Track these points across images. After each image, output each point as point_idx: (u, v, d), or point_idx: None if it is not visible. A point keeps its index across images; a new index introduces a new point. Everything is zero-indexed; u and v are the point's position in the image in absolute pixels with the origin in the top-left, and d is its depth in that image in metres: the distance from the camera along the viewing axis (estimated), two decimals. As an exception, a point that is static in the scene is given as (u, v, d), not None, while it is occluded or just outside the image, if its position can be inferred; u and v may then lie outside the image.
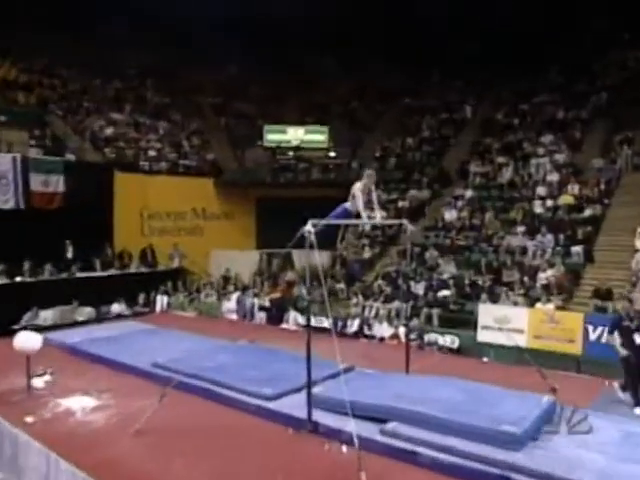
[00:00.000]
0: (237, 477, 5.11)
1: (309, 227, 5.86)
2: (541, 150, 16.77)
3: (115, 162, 17.27)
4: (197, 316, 13.72)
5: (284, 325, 13.02)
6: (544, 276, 12.06)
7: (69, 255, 14.46)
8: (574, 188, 14.63)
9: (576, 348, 9.99)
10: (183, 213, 18.89)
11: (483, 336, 10.93)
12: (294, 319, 12.97)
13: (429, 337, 11.02)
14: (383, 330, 11.67)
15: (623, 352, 6.88)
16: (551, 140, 17.02)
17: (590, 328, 9.96)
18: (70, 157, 15.78)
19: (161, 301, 14.60)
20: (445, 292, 12.49)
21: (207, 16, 20.49)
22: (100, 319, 13.16)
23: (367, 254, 16.03)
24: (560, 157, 16.14)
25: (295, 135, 21.93)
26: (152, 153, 19.12)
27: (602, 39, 18.54)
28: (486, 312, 11.13)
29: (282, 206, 17.52)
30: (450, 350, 10.85)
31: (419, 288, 12.83)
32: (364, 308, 12.88)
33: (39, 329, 10.69)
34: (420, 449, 5.18)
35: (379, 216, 7.33)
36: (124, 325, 11.74)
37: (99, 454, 5.46)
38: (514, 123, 18.96)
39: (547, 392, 6.18)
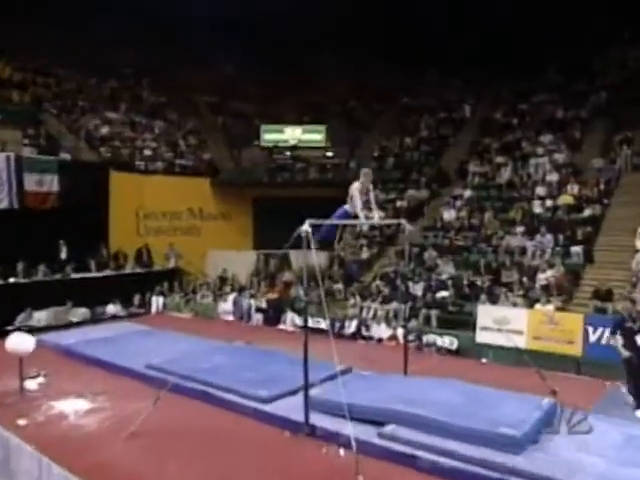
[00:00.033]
0: (233, 482, 5.03)
1: (306, 227, 5.82)
2: (540, 150, 16.70)
3: (110, 161, 17.15)
4: (193, 317, 13.67)
5: (281, 326, 12.95)
6: (543, 277, 11.99)
7: (63, 255, 14.34)
8: (574, 188, 14.56)
9: (576, 349, 9.94)
10: (179, 213, 18.78)
11: (482, 337, 10.88)
12: (291, 320, 12.89)
13: (427, 338, 10.97)
14: (381, 331, 11.59)
15: (625, 353, 6.84)
16: (550, 140, 16.95)
17: (590, 329, 9.92)
18: (65, 156, 15.65)
19: (157, 302, 14.51)
20: (444, 293, 12.40)
21: (204, 15, 20.40)
22: (95, 320, 13.07)
23: (365, 254, 15.95)
24: (559, 157, 16.08)
25: (292, 135, 21.83)
26: (148, 152, 18.99)
27: (602, 38, 18.49)
28: (485, 313, 11.08)
29: (279, 206, 17.40)
30: (449, 351, 10.80)
31: (417, 289, 12.78)
32: (362, 309, 12.79)
33: (33, 330, 10.77)
34: (419, 452, 5.13)
35: (377, 216, 7.26)
36: (119, 326, 11.69)
37: (92, 457, 5.40)
38: (513, 123, 18.89)
39: (547, 394, 6.12)
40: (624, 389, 6.93)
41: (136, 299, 14.49)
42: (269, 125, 21.97)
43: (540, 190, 15.18)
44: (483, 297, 11.76)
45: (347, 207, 6.95)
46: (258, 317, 13.65)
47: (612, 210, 13.69)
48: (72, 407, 6.75)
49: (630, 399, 6.75)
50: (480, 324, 11.01)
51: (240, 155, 21.50)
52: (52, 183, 14.51)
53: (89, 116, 18.84)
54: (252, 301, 13.96)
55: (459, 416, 5.39)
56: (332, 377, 6.25)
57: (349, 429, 5.09)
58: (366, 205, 6.91)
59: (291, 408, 6.16)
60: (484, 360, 9.92)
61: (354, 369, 7.63)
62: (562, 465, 4.77)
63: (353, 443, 4.95)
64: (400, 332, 10.66)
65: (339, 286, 14.17)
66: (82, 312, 13.36)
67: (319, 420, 5.85)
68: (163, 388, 6.24)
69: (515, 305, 11.38)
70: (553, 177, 15.35)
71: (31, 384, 7.51)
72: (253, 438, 5.83)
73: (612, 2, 18.04)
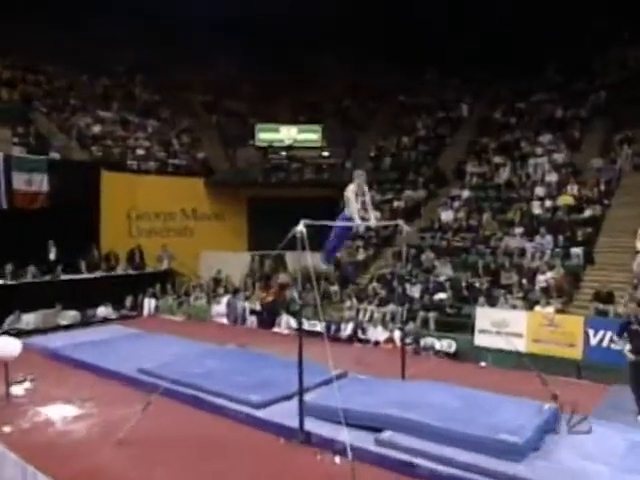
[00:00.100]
0: (225, 489, 4.95)
1: (301, 227, 5.77)
2: (539, 150, 16.65)
3: (102, 161, 16.89)
4: (186, 320, 13.52)
5: (276, 329, 12.83)
6: (543, 278, 11.90)
7: (52, 256, 14.11)
8: (573, 188, 14.50)
9: (576, 353, 9.87)
10: (172, 213, 18.56)
11: (481, 340, 10.82)
12: (286, 323, 12.76)
13: (425, 341, 10.92)
14: (378, 334, 11.49)
15: (631, 357, 6.70)
16: (550, 139, 16.91)
17: (591, 332, 9.86)
18: (55, 155, 15.40)
19: (149, 304, 14.34)
20: (441, 295, 12.33)
21: (200, 13, 20.29)
22: (85, 323, 12.94)
23: (361, 256, 15.83)
24: (559, 157, 16.02)
25: (288, 134, 21.61)
26: (140, 152, 18.75)
27: (602, 38, 18.48)
28: (484, 315, 10.99)
29: (274, 207, 17.21)
30: (447, 354, 10.75)
31: (415, 291, 12.68)
32: (358, 311, 12.70)
33: (21, 333, 10.77)
34: (417, 460, 5.05)
35: (373, 218, 7.25)
36: (110, 329, 11.62)
37: (78, 465, 5.29)
38: (511, 122, 18.84)
39: (548, 399, 6.02)
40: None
41: (128, 301, 14.34)
42: (264, 124, 21.74)
43: (539, 190, 15.12)
44: (482, 299, 11.66)
45: (346, 212, 6.89)
46: (252, 320, 13.56)
47: (613, 211, 13.63)
48: (59, 413, 6.65)
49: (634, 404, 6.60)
50: (479, 327, 10.94)
51: (235, 155, 21.27)
52: (42, 183, 14.29)
53: (80, 114, 18.60)
54: (246, 303, 13.87)
55: (458, 422, 5.31)
56: (327, 381, 6.16)
57: (345, 435, 4.99)
58: (362, 207, 6.92)
59: (285, 414, 6.08)
60: (483, 363, 9.84)
61: (350, 373, 7.57)
62: (565, 473, 4.69)
63: (349, 450, 4.85)
64: (397, 335, 10.67)
65: (335, 288, 14.06)
66: (72, 315, 13.16)
67: (314, 426, 5.75)
68: (154, 393, 6.13)
69: (514, 307, 11.30)
70: (552, 177, 15.29)
71: (17, 389, 7.39)
72: (246, 445, 5.73)
73: (612, 2, 18.02)
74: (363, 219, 6.99)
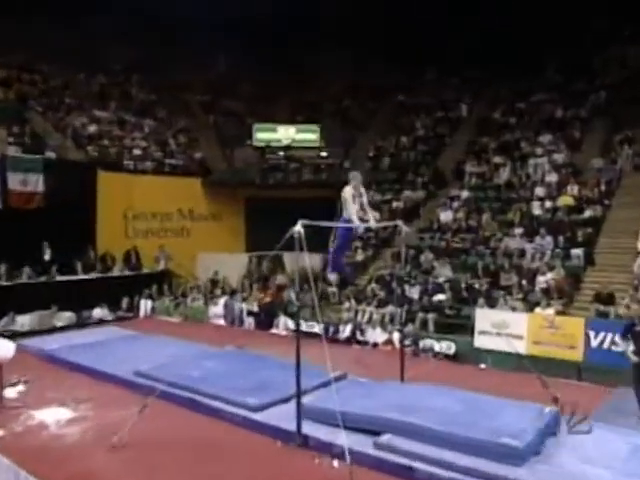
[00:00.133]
0: (222, 493, 4.91)
1: (298, 228, 5.75)
2: (539, 150, 16.56)
3: (98, 161, 16.82)
4: (183, 321, 13.54)
5: (274, 330, 12.83)
6: (543, 279, 11.83)
7: (47, 257, 14.05)
8: (573, 189, 14.42)
9: (577, 355, 9.81)
10: (169, 214, 18.49)
11: (480, 342, 10.75)
12: (284, 324, 12.75)
13: (424, 343, 10.86)
14: (376, 336, 11.45)
15: (635, 358, 6.65)
16: (549, 140, 16.81)
17: (592, 334, 9.80)
18: (50, 155, 15.32)
19: (145, 306, 14.30)
20: (441, 296, 12.24)
21: (198, 13, 20.22)
22: (81, 324, 12.89)
23: (360, 257, 15.71)
24: (559, 157, 15.93)
25: (286, 134, 21.51)
26: (137, 152, 18.68)
27: (602, 37, 18.43)
28: (483, 317, 10.92)
29: (272, 207, 17.15)
30: (446, 356, 10.70)
31: (414, 292, 12.60)
32: (357, 313, 12.64)
33: (16, 335, 10.70)
34: (416, 464, 5.02)
35: (372, 218, 7.23)
36: (106, 331, 11.61)
37: (72, 469, 5.25)
38: (511, 122, 18.74)
39: (549, 401, 5.99)
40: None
41: (124, 303, 14.30)
42: (262, 124, 21.64)
43: (539, 191, 15.04)
44: (481, 301, 11.59)
45: (345, 216, 6.85)
46: (250, 321, 13.56)
47: (613, 211, 13.56)
48: (53, 416, 6.59)
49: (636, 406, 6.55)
50: (478, 328, 10.86)
51: (232, 155, 21.19)
52: (37, 183, 14.21)
53: (76, 114, 18.50)
54: (244, 304, 13.84)
55: (458, 425, 5.27)
56: (325, 384, 6.12)
57: (343, 439, 4.98)
58: (360, 208, 6.92)
59: (283, 417, 6.03)
60: (483, 366, 9.82)
61: (349, 375, 7.55)
62: (566, 477, 4.67)
63: (347, 454, 4.85)
64: (396, 336, 10.65)
65: (333, 289, 13.96)
66: (67, 316, 13.11)
67: (312, 429, 5.72)
68: (150, 396, 6.10)
69: (514, 309, 11.22)
70: (552, 177, 15.21)
71: (10, 392, 7.33)
72: (243, 448, 5.69)
73: (612, 1, 17.98)
74: (362, 220, 6.95)
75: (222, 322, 13.52)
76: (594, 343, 9.69)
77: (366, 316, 12.44)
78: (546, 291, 11.49)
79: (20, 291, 12.89)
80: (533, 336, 10.26)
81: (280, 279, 15.12)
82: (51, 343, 10.03)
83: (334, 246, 7.16)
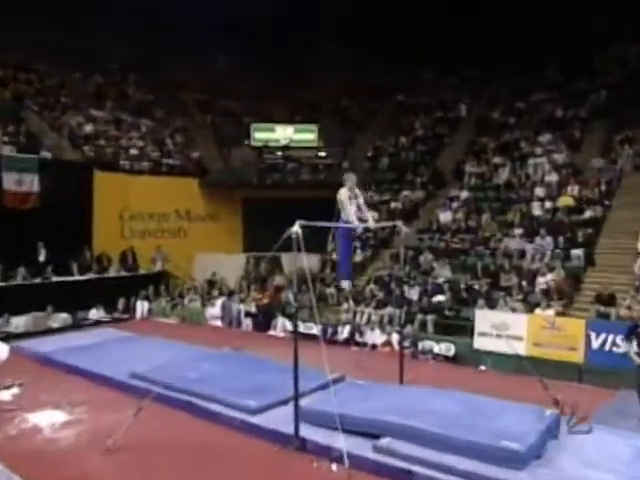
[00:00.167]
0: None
1: (296, 228, 5.68)
2: (539, 150, 16.49)
3: (94, 161, 16.72)
4: (180, 323, 13.46)
5: (272, 332, 12.76)
6: (543, 280, 11.80)
7: (41, 258, 13.90)
8: (574, 189, 14.36)
9: (578, 356, 9.80)
10: (166, 214, 18.37)
11: (480, 343, 10.75)
12: (282, 325, 12.69)
13: (423, 344, 10.85)
14: (375, 337, 11.41)
15: (638, 360, 6.57)
16: (549, 139, 16.75)
17: (592, 335, 9.78)
18: (46, 155, 15.18)
19: (142, 307, 14.18)
20: (440, 297, 12.21)
21: (197, 12, 20.17)
22: (76, 326, 12.77)
23: (358, 257, 15.58)
24: (559, 157, 15.86)
25: (284, 134, 21.44)
26: (134, 152, 18.54)
27: (602, 36, 18.40)
28: (483, 318, 10.91)
29: (270, 207, 17.03)
30: (445, 358, 10.70)
31: (413, 293, 12.57)
32: (355, 314, 12.61)
33: (10, 337, 10.63)
34: (416, 468, 4.95)
35: (371, 218, 7.24)
36: (102, 332, 11.49)
37: (66, 473, 5.19)
38: (511, 122, 18.69)
39: (549, 404, 5.91)
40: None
41: (120, 304, 14.15)
42: (259, 124, 21.59)
43: (539, 191, 14.98)
44: (481, 302, 11.59)
45: (343, 217, 6.82)
46: (247, 322, 13.50)
47: (614, 212, 13.51)
48: (48, 419, 6.52)
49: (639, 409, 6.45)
50: (478, 330, 10.86)
51: (230, 155, 21.08)
52: (32, 183, 14.10)
53: (72, 113, 18.39)
54: (241, 306, 13.77)
55: (458, 428, 5.20)
56: (324, 386, 6.08)
57: (341, 442, 4.94)
58: (357, 209, 6.91)
59: (280, 420, 5.95)
60: (482, 367, 9.79)
61: (347, 377, 7.47)
62: None
63: (346, 457, 4.82)
64: (395, 338, 10.64)
65: (332, 290, 13.93)
66: (63, 317, 12.99)
67: (310, 432, 5.65)
68: (146, 398, 6.06)
69: (514, 310, 11.20)
70: (552, 178, 15.14)
71: (4, 395, 7.28)
72: (240, 452, 5.63)
73: (612, 1, 17.95)
74: (360, 220, 6.94)
75: (219, 323, 13.45)
76: (595, 345, 9.67)
77: (365, 317, 12.42)
78: (546, 292, 11.47)
79: (15, 292, 12.75)
80: (533, 337, 10.23)
81: (278, 280, 15.05)
82: (46, 345, 9.91)
83: (339, 254, 7.14)
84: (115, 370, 8.01)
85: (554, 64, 19.83)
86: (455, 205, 16.16)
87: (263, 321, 13.16)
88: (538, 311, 10.81)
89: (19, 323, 12.19)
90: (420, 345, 10.76)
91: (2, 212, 13.39)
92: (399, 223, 7.75)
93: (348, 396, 6.18)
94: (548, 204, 14.37)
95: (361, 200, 7.04)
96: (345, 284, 7.11)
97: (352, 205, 6.83)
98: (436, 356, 10.63)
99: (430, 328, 11.55)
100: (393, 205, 17.46)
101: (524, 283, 12.03)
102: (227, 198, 19.75)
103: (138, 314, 14.08)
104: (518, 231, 13.77)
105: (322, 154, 21.49)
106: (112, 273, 15.17)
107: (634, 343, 6.67)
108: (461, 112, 21.22)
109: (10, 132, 15.33)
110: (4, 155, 13.99)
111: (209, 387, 6.94)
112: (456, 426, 5.25)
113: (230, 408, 6.40)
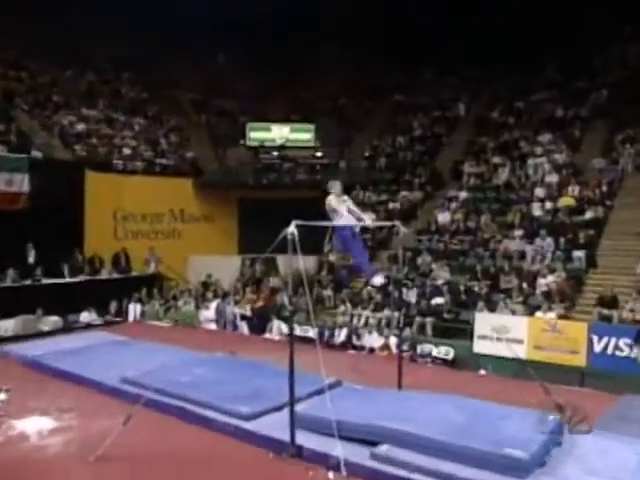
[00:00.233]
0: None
1: (292, 228, 5.55)
2: (539, 150, 16.44)
3: (86, 160, 16.52)
4: (173, 326, 13.29)
5: (267, 335, 12.67)
6: (544, 282, 11.77)
7: (31, 260, 13.71)
8: (574, 189, 14.33)
9: (580, 360, 9.75)
10: (160, 215, 18.20)
11: (480, 347, 10.71)
12: (278, 329, 12.59)
13: (422, 348, 10.85)
14: (373, 340, 11.34)
15: None
16: (549, 139, 16.72)
17: (595, 338, 9.72)
18: (36, 154, 14.98)
19: (134, 310, 14.05)
20: (439, 299, 12.18)
21: (193, 11, 20.04)
22: (67, 329, 12.60)
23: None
24: (559, 157, 15.81)
25: (280, 133, 21.17)
26: (127, 151, 18.37)
27: (602, 35, 18.42)
28: (483, 321, 10.88)
29: (266, 208, 16.90)
30: (444, 361, 10.65)
31: (411, 295, 12.50)
32: (352, 317, 12.58)
33: None
34: (415, 476, 4.85)
35: (367, 217, 7.15)
36: (93, 336, 11.35)
37: None
38: (510, 121, 18.64)
39: (551, 408, 5.74)
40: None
41: (112, 307, 13.98)
42: (255, 123, 21.34)
43: (539, 191, 14.92)
44: (481, 304, 11.56)
45: (341, 221, 6.63)
46: (242, 325, 13.36)
47: (615, 212, 13.48)
48: (35, 426, 6.37)
49: None
50: (478, 333, 10.83)
51: (225, 154, 20.91)
52: (22, 183, 13.87)
53: (63, 112, 18.21)
54: (236, 308, 13.64)
55: (459, 435, 5.11)
56: (320, 391, 6.00)
57: (338, 449, 4.95)
58: (349, 213, 6.73)
59: (275, 426, 5.85)
60: (482, 371, 9.73)
61: (344, 382, 7.40)
62: None
63: (343, 465, 4.83)
64: (393, 341, 10.59)
65: (328, 292, 13.88)
66: (54, 320, 12.78)
67: (306, 439, 5.54)
68: (136, 404, 5.88)
69: (514, 312, 11.18)
70: (553, 178, 15.10)
71: None
72: (233, 459, 5.53)
73: (612, 1, 17.99)
74: (358, 219, 6.80)
75: (214, 326, 13.33)
76: (597, 348, 9.61)
77: (362, 320, 12.37)
78: (547, 294, 11.44)
79: (4, 295, 12.52)
80: (534, 341, 10.18)
81: (273, 282, 15.00)
82: (35, 349, 9.73)
83: (355, 256, 7.00)
84: (106, 375, 7.86)
85: (554, 64, 19.80)
86: (454, 206, 16.08)
87: (258, 324, 13.05)
88: (539, 314, 10.75)
89: (8, 326, 12.01)
90: (419, 348, 10.73)
91: (-9, 213, 13.21)
92: (398, 223, 7.64)
93: (345, 401, 6.10)
94: (548, 205, 14.32)
95: (351, 204, 6.91)
96: (376, 280, 6.85)
97: (343, 208, 6.70)
98: (435, 360, 10.56)
99: (429, 331, 11.55)
100: (391, 206, 17.35)
101: (525, 285, 12.00)
102: (222, 199, 19.58)
103: (131, 317, 13.94)
104: (518, 232, 13.74)
105: (319, 154, 21.28)
106: (104, 275, 15.00)
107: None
108: (460, 111, 21.15)
109: (0, 131, 15.16)
110: (-6, 154, 13.82)
111: (202, 392, 6.83)
112: (457, 433, 5.16)
113: (223, 414, 6.29)
